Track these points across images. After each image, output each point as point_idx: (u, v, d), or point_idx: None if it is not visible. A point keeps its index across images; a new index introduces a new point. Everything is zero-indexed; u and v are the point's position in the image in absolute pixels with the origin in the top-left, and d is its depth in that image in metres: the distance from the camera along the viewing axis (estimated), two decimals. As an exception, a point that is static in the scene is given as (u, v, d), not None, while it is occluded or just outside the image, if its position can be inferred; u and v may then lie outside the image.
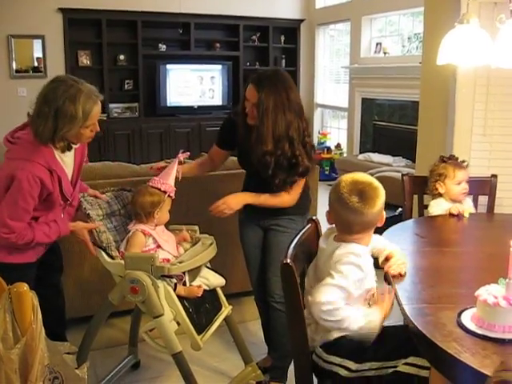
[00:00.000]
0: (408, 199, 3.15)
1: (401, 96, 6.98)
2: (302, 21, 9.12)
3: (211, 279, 2.59)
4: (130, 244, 2.46)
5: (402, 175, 3.19)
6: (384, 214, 1.96)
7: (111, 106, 8.00)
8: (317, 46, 9.15)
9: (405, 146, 6.48)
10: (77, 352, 1.72)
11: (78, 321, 3.10)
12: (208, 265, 2.63)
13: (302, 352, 1.84)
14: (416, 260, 2.25)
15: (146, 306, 2.36)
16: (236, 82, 8.75)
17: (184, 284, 2.45)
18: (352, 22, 8.06)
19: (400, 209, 3.25)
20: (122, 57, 8.09)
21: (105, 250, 2.43)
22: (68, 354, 1.64)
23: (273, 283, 2.66)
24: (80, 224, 2.41)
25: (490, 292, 1.58)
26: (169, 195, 2.52)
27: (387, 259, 2.05)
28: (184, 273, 2.44)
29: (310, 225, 2.14)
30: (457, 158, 3.01)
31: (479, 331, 1.55)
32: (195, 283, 2.51)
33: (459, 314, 1.65)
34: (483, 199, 3.17)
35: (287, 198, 2.62)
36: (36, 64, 7.65)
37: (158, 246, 2.48)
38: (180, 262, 2.39)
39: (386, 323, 2.02)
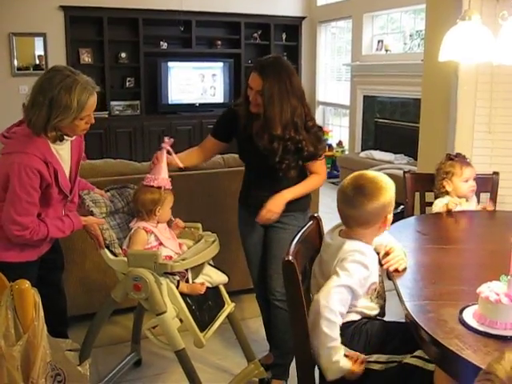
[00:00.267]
0: (410, 196, 3.15)
1: (402, 93, 6.97)
2: (303, 18, 9.11)
3: (214, 276, 2.58)
4: (132, 241, 2.46)
5: (404, 172, 3.19)
6: (390, 218, 1.97)
7: (113, 103, 8.00)
8: (318, 44, 9.14)
9: (406, 144, 6.48)
10: (79, 349, 1.72)
11: (80, 318, 3.11)
12: (211, 262, 2.63)
13: (303, 349, 1.84)
14: (418, 257, 2.24)
15: (149, 304, 2.36)
16: (237, 79, 8.74)
17: (187, 281, 2.45)
18: (353, 19, 8.05)
19: (402, 206, 3.25)
20: (123, 54, 8.08)
21: (108, 248, 2.44)
22: (70, 350, 1.64)
23: (274, 280, 2.66)
24: (92, 219, 2.41)
25: (491, 289, 1.58)
26: (165, 188, 2.50)
27: (387, 254, 2.05)
28: (187, 270, 2.44)
29: (311, 222, 2.15)
30: (464, 156, 3.00)
31: (481, 328, 1.55)
32: (198, 280, 2.51)
33: (461, 311, 1.65)
34: (485, 196, 3.17)
35: (318, 179, 2.71)
36: (37, 62, 7.65)
37: (160, 244, 2.48)
38: (183, 260, 2.39)
39: (390, 319, 2.04)
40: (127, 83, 8.21)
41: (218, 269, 2.64)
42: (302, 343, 1.82)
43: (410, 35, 7.27)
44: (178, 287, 2.39)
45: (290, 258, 1.75)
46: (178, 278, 2.40)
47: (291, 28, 9.12)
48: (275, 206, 2.58)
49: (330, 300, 1.82)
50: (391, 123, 7.33)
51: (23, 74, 7.46)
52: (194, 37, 8.33)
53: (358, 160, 7.12)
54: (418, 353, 1.78)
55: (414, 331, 1.66)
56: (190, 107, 8.49)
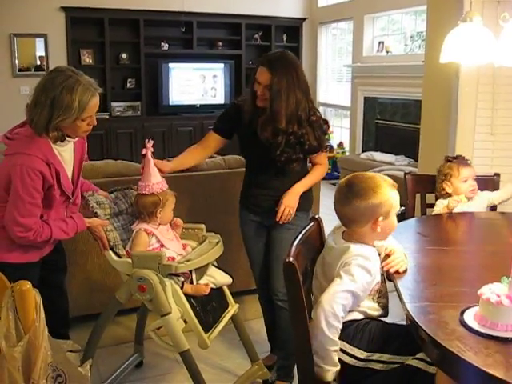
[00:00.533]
0: (410, 198, 3.14)
1: (403, 95, 6.97)
2: (304, 19, 9.11)
3: (218, 277, 2.58)
4: (134, 243, 2.46)
5: (405, 174, 3.19)
6: (393, 222, 1.98)
7: (113, 104, 8.01)
8: (319, 45, 9.15)
9: (407, 145, 6.48)
10: (80, 350, 1.72)
11: (81, 319, 3.11)
12: (214, 263, 2.62)
13: (304, 350, 1.84)
14: (418, 258, 2.24)
15: (154, 305, 2.36)
16: (238, 80, 8.75)
17: (191, 282, 2.45)
18: (354, 20, 8.05)
19: (402, 207, 3.24)
20: (124, 55, 8.09)
21: (112, 249, 2.44)
22: (71, 352, 1.64)
23: (277, 281, 2.66)
24: (96, 220, 2.41)
25: (492, 291, 1.58)
26: (162, 191, 2.48)
27: (387, 256, 2.05)
28: (191, 271, 2.43)
29: (312, 223, 2.15)
30: (463, 157, 3.01)
31: (482, 330, 1.55)
32: (202, 281, 2.50)
33: (462, 313, 1.64)
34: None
35: (322, 169, 2.81)
36: (38, 62, 7.66)
37: (162, 245, 2.48)
38: (187, 261, 2.39)
39: (391, 320, 2.04)
40: (128, 84, 8.21)
41: (222, 270, 2.63)
42: (303, 344, 1.82)
43: (411, 36, 7.27)
44: (182, 288, 2.39)
45: (291, 259, 1.75)
46: (182, 279, 2.40)
47: (292, 29, 9.12)
48: (291, 200, 2.61)
49: (334, 305, 1.83)
50: (392, 124, 7.33)
51: (24, 75, 7.47)
52: (195, 38, 8.34)
53: (358, 161, 7.12)
54: (420, 355, 1.78)
55: (415, 333, 1.66)
56: (190, 108, 8.49)
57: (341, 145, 8.47)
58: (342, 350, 1.89)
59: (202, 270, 2.50)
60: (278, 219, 2.61)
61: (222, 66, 8.63)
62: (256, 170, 2.74)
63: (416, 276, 2.03)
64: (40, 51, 7.64)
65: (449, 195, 2.94)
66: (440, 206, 2.93)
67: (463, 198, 2.89)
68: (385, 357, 1.87)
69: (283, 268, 1.76)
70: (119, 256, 2.45)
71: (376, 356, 1.87)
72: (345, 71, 8.60)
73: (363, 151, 7.73)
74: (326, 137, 2.74)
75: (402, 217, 3.02)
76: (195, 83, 8.52)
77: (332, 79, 9.17)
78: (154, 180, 2.48)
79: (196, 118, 8.42)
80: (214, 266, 2.62)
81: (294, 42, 9.13)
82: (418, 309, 1.74)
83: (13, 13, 7.28)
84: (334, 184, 7.21)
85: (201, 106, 8.57)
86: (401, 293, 1.85)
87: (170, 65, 8.28)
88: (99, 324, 2.58)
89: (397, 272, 2.00)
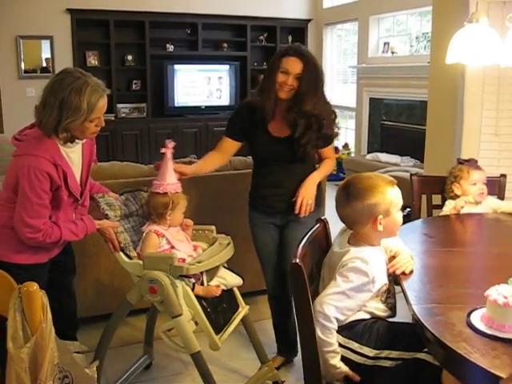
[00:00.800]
0: (416, 199, 3.14)
1: (409, 96, 6.96)
2: (309, 21, 9.11)
3: (228, 279, 2.57)
4: (144, 245, 2.46)
5: (411, 175, 3.18)
6: (395, 219, 1.98)
7: (119, 106, 8.03)
8: (324, 46, 9.14)
9: (413, 146, 6.47)
10: (87, 351, 1.72)
11: (88, 320, 3.11)
12: (225, 264, 2.61)
13: (310, 351, 1.84)
14: (425, 260, 2.24)
15: (165, 306, 2.35)
16: (243, 82, 8.76)
17: (202, 284, 2.44)
18: (359, 21, 8.05)
19: (408, 209, 3.24)
20: (129, 57, 8.11)
21: (123, 251, 2.44)
22: (78, 353, 1.64)
23: None
24: (106, 222, 2.42)
25: (499, 292, 1.57)
26: (175, 193, 2.49)
27: (393, 258, 2.05)
28: (202, 273, 2.43)
29: (318, 224, 2.15)
30: (475, 161, 3.00)
31: (489, 331, 1.55)
32: (213, 283, 2.49)
33: (469, 314, 1.64)
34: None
35: (332, 162, 2.87)
36: (44, 64, 7.69)
37: (172, 247, 2.47)
38: (198, 262, 2.39)
39: (398, 320, 2.04)
40: (133, 86, 8.23)
41: (233, 271, 2.62)
42: (310, 345, 1.82)
43: (417, 37, 7.26)
44: (193, 290, 2.38)
45: (298, 260, 1.75)
46: (193, 280, 2.39)
47: (297, 30, 9.12)
48: (309, 190, 2.63)
49: (324, 306, 1.88)
50: (397, 125, 7.32)
51: (30, 77, 7.50)
52: (201, 39, 8.35)
53: (364, 162, 7.11)
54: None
55: (422, 334, 1.66)
56: (196, 110, 8.50)
57: (346, 146, 8.46)
58: (350, 349, 1.90)
59: (212, 272, 2.49)
60: (296, 211, 2.60)
61: (227, 67, 8.64)
62: (268, 169, 2.74)
63: (422, 277, 2.03)
64: (46, 53, 7.67)
65: (457, 197, 2.93)
66: (449, 207, 2.92)
67: (471, 198, 2.88)
68: (394, 354, 1.88)
69: (290, 269, 1.76)
70: (130, 257, 2.45)
71: (385, 353, 1.89)
72: (350, 72, 8.60)
73: (369, 152, 7.72)
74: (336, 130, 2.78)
75: (407, 218, 3.03)
76: (200, 85, 8.53)
77: (337, 80, 9.16)
78: (169, 180, 2.48)
79: (201, 120, 8.43)
80: (225, 267, 2.61)
81: (300, 43, 9.10)
82: (425, 310, 1.74)
83: (19, 15, 7.31)
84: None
85: (206, 107, 8.57)
86: (407, 294, 1.85)
87: (176, 66, 8.29)
88: (110, 325, 2.57)
89: (403, 273, 2.00)
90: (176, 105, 8.38)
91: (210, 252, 2.51)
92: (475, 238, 2.77)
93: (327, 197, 3.90)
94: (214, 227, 2.71)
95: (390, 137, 7.52)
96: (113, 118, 7.78)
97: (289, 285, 2.66)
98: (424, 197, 3.15)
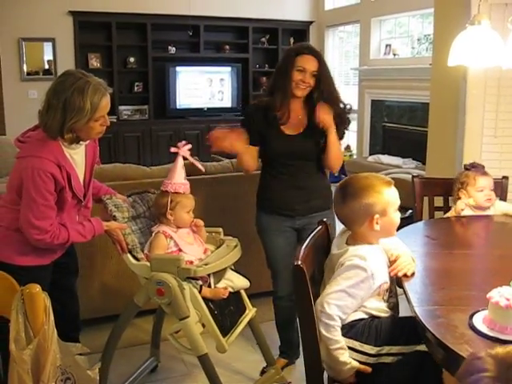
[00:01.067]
0: (418, 201, 3.13)
1: (411, 97, 6.96)
2: (311, 23, 9.12)
3: (235, 281, 2.56)
4: (152, 246, 2.46)
5: (413, 177, 3.18)
6: (392, 219, 1.98)
7: (121, 108, 8.04)
8: (326, 48, 9.15)
9: (415, 148, 6.46)
10: (89, 353, 1.72)
11: (90, 322, 3.11)
12: (232, 267, 2.61)
13: (312, 353, 1.84)
14: (427, 262, 2.24)
15: (172, 308, 2.35)
16: (245, 84, 8.77)
17: (209, 286, 2.43)
18: (361, 23, 8.05)
19: (410, 211, 3.24)
20: (131, 59, 8.12)
21: (130, 252, 2.44)
22: (80, 355, 1.65)
23: None
24: (114, 224, 2.42)
25: (501, 294, 1.57)
26: (175, 192, 2.49)
27: (394, 261, 2.05)
28: (209, 275, 2.42)
29: (320, 226, 2.15)
30: (482, 166, 2.95)
31: (491, 333, 1.55)
32: (220, 285, 2.49)
33: (471, 317, 1.64)
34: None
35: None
36: (47, 67, 7.70)
37: (180, 250, 2.46)
38: (206, 264, 2.38)
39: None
40: (135, 88, 8.24)
41: (240, 273, 2.62)
42: (312, 347, 1.83)
43: (418, 39, 7.27)
44: (200, 292, 2.38)
45: (299, 262, 1.75)
46: (200, 282, 2.39)
47: (299, 32, 9.13)
48: (326, 110, 2.63)
49: (325, 305, 1.88)
50: (399, 127, 7.31)
51: (32, 79, 7.52)
52: (202, 41, 8.36)
53: (366, 164, 7.11)
54: None
55: (423, 336, 1.66)
56: (197, 112, 8.51)
57: (348, 148, 8.46)
58: (352, 349, 1.90)
59: (219, 274, 2.48)
60: (318, 120, 2.61)
61: (229, 69, 8.65)
62: (283, 170, 2.71)
63: (424, 279, 2.03)
64: (48, 55, 7.69)
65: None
66: (461, 206, 2.90)
67: (471, 201, 2.86)
68: (394, 349, 1.89)
69: (292, 271, 1.77)
70: (137, 259, 2.45)
71: (386, 349, 1.90)
72: (352, 74, 8.60)
73: (370, 154, 7.72)
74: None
75: (409, 220, 3.03)
76: (202, 87, 8.54)
77: (339, 82, 9.14)
78: (177, 180, 2.50)
79: (203, 122, 8.43)
80: (232, 269, 2.60)
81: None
82: (427, 312, 1.74)
83: (21, 17, 7.33)
84: (341, 187, 7.19)
85: (208, 109, 8.59)
86: (409, 296, 1.85)
87: (178, 68, 8.30)
88: (117, 327, 2.57)
89: (405, 275, 2.00)
90: (178, 107, 8.39)
91: (217, 254, 2.51)
92: (477, 240, 2.77)
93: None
94: (221, 229, 2.70)
95: (391, 139, 7.52)
96: (115, 120, 7.78)
97: None
98: (426, 199, 3.15)
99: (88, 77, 2.19)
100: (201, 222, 2.59)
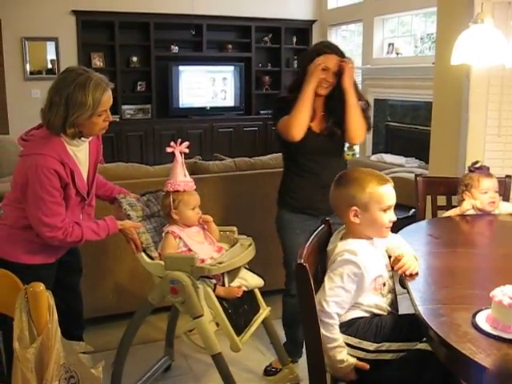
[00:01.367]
0: (421, 200, 3.13)
1: (414, 96, 6.95)
2: (313, 22, 9.12)
3: (249, 280, 2.55)
4: (163, 246, 2.46)
5: (416, 176, 3.17)
6: (376, 217, 1.98)
7: (124, 107, 8.05)
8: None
9: (418, 147, 6.45)
10: (93, 351, 1.72)
11: (92, 321, 3.12)
12: (246, 266, 2.59)
13: (315, 351, 1.84)
14: (430, 261, 2.24)
15: (186, 307, 2.35)
16: (248, 83, 8.77)
17: (223, 285, 2.43)
18: (364, 22, 8.05)
19: (413, 210, 3.24)
20: (134, 58, 8.13)
21: (144, 251, 2.44)
22: (84, 353, 1.65)
23: None
24: (128, 223, 2.43)
25: (505, 293, 1.57)
26: (176, 191, 2.49)
27: (398, 261, 2.05)
28: (223, 274, 2.41)
29: (323, 225, 2.15)
30: (487, 168, 2.91)
31: (494, 332, 1.55)
32: (234, 284, 2.48)
33: (474, 315, 1.64)
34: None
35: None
36: (50, 66, 7.71)
37: (189, 250, 2.46)
38: (220, 263, 2.37)
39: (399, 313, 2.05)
40: (138, 87, 8.25)
41: (254, 272, 2.60)
42: (315, 347, 1.82)
43: (421, 38, 7.25)
44: (214, 290, 2.38)
45: (302, 260, 1.75)
46: (214, 281, 2.38)
47: (301, 31, 9.13)
48: (350, 74, 2.69)
49: (323, 303, 1.90)
50: (402, 126, 7.30)
51: (35, 79, 7.54)
52: (205, 40, 8.36)
53: (368, 163, 7.09)
54: None
55: (426, 334, 1.66)
56: (200, 111, 8.52)
57: (351, 147, 8.44)
58: (350, 346, 1.91)
59: (233, 273, 2.48)
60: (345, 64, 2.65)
61: (231, 68, 8.65)
62: (307, 167, 2.71)
63: (427, 278, 2.03)
64: (51, 55, 7.70)
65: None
66: (467, 207, 2.89)
67: (478, 203, 2.84)
68: (394, 345, 1.90)
69: (295, 270, 1.77)
70: (151, 258, 2.45)
71: (385, 346, 1.90)
72: (355, 73, 8.57)
73: (373, 153, 7.71)
74: None
75: (412, 219, 3.03)
76: (205, 86, 8.55)
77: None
78: (174, 179, 2.50)
79: (206, 121, 8.44)
80: (246, 268, 2.59)
81: (304, 44, 9.13)
82: (430, 311, 1.73)
83: (24, 17, 7.34)
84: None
85: (211, 108, 8.59)
86: (412, 295, 1.85)
87: (180, 67, 8.31)
88: (131, 326, 2.57)
89: (409, 274, 2.00)
90: (181, 106, 8.40)
91: (231, 253, 2.50)
92: (480, 239, 2.76)
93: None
94: (235, 228, 2.69)
95: (394, 138, 7.51)
96: (118, 120, 7.80)
97: None
98: (429, 198, 3.15)
99: (89, 72, 2.20)
100: (209, 218, 2.58)
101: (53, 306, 1.55)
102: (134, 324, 2.57)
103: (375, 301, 2.00)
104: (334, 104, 2.68)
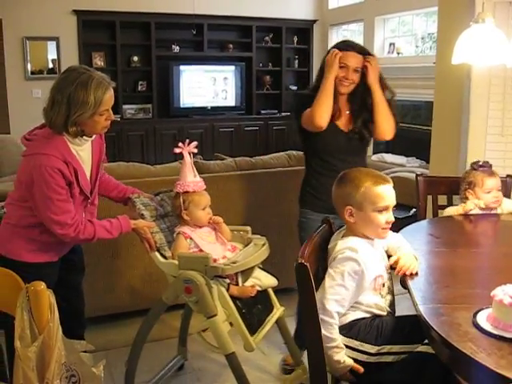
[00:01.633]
0: (422, 200, 3.13)
1: (414, 96, 6.94)
2: (314, 21, 9.11)
3: (263, 280, 2.53)
4: (174, 247, 2.46)
5: (417, 175, 3.17)
6: (370, 217, 1.98)
7: (125, 107, 8.04)
8: (330, 47, 9.09)
9: (419, 147, 6.45)
10: (94, 350, 1.73)
11: (93, 320, 3.12)
12: (260, 265, 2.57)
13: (316, 351, 1.84)
14: (430, 260, 2.24)
15: (200, 306, 2.34)
16: (249, 83, 8.77)
17: (236, 284, 2.42)
18: (365, 22, 8.04)
19: (414, 209, 3.24)
20: (135, 58, 8.13)
21: (158, 250, 2.45)
22: (85, 352, 1.65)
23: None
24: (142, 222, 2.43)
25: (505, 292, 1.57)
26: (185, 191, 2.48)
27: (396, 263, 2.05)
28: (236, 273, 2.41)
29: (324, 225, 2.16)
30: (489, 166, 2.90)
31: (495, 331, 1.55)
32: (248, 283, 2.47)
33: (475, 315, 1.64)
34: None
35: None
36: (51, 65, 7.72)
37: (200, 250, 2.45)
38: (233, 263, 2.37)
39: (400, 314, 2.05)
40: (139, 87, 8.25)
41: (268, 272, 2.59)
42: (316, 346, 1.83)
43: (422, 38, 7.25)
44: (228, 290, 2.37)
45: (303, 260, 1.75)
46: (228, 280, 2.37)
47: (302, 31, 9.13)
48: (375, 69, 2.73)
49: (325, 302, 1.90)
50: (403, 126, 7.24)
51: (36, 78, 7.54)
52: (206, 40, 8.36)
53: (369, 163, 6.98)
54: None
55: (427, 334, 1.66)
56: (201, 110, 8.51)
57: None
58: (352, 348, 1.91)
59: (247, 273, 2.47)
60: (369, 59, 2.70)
61: (232, 68, 8.65)
62: (333, 166, 2.69)
63: (428, 277, 2.03)
64: (52, 54, 7.70)
65: None
66: (454, 209, 2.89)
67: (482, 203, 2.83)
68: (396, 348, 1.90)
69: (295, 269, 1.77)
70: (165, 257, 2.45)
71: (386, 348, 1.91)
72: (355, 73, 8.57)
73: (374, 153, 7.70)
74: None
75: (413, 218, 3.03)
76: (206, 85, 8.54)
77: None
78: (183, 180, 2.50)
79: (207, 120, 8.44)
80: (260, 267, 2.57)
81: (305, 44, 9.14)
82: (431, 310, 1.74)
83: (25, 16, 7.34)
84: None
85: (212, 108, 8.59)
86: (413, 294, 1.85)
87: (181, 67, 8.31)
88: (146, 323, 2.57)
89: (409, 274, 2.00)
90: (182, 105, 8.40)
91: (244, 253, 2.49)
92: (481, 238, 2.77)
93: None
94: (249, 228, 2.68)
95: (395, 137, 7.47)
96: (118, 119, 7.80)
97: None
98: (430, 197, 3.15)
99: (91, 71, 2.21)
100: (219, 219, 2.56)
101: (54, 305, 1.55)
102: (148, 323, 2.57)
103: (375, 300, 2.00)
104: (358, 103, 2.69)
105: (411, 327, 1.89)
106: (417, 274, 2.01)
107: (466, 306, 1.73)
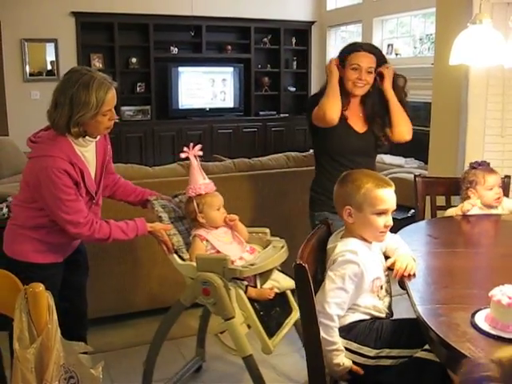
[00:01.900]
0: (421, 200, 3.13)
1: (413, 97, 6.89)
2: (313, 23, 9.12)
3: (282, 282, 2.52)
4: (191, 251, 2.45)
5: (415, 176, 3.18)
6: (369, 219, 1.98)
7: (123, 108, 8.04)
8: (328, 48, 9.15)
9: (417, 148, 6.41)
10: (92, 352, 1.73)
11: (92, 321, 3.12)
12: (278, 267, 2.56)
13: (315, 353, 1.84)
14: (429, 261, 2.24)
15: (217, 308, 2.34)
16: (247, 84, 8.77)
17: (254, 286, 2.41)
18: (363, 23, 8.05)
19: (412, 210, 3.24)
20: (134, 60, 8.13)
21: (176, 253, 2.44)
22: (84, 353, 1.65)
23: None
24: (159, 225, 2.43)
25: (503, 293, 1.58)
26: (198, 194, 2.48)
27: (393, 265, 2.06)
28: (255, 275, 2.40)
29: (322, 225, 2.16)
30: (488, 164, 2.92)
31: (493, 332, 1.55)
32: (266, 286, 2.46)
33: (473, 315, 1.64)
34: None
35: None
36: (49, 67, 7.72)
37: (217, 252, 2.44)
38: (252, 265, 2.36)
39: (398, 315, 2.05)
40: (138, 88, 8.25)
41: (286, 274, 2.56)
42: (314, 345, 1.82)
43: (420, 39, 7.26)
44: (246, 292, 2.36)
45: (301, 261, 1.75)
46: (246, 282, 2.36)
47: (301, 32, 9.13)
48: (390, 75, 2.75)
49: (325, 305, 1.89)
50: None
51: (35, 80, 7.53)
52: (205, 42, 8.37)
53: (368, 164, 7.10)
54: (428, 346, 1.79)
55: (426, 334, 1.66)
56: (200, 112, 8.52)
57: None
58: (349, 350, 1.91)
59: (266, 275, 2.46)
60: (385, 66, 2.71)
61: (231, 69, 8.66)
62: (346, 167, 2.64)
63: (427, 278, 2.03)
64: (50, 56, 7.70)
65: None
66: (468, 207, 2.89)
67: (479, 202, 2.84)
68: (395, 352, 1.89)
69: (294, 270, 1.77)
70: (183, 259, 2.44)
71: (385, 352, 1.90)
72: (354, 74, 8.58)
73: (373, 154, 7.71)
74: None
75: (412, 219, 3.03)
76: (204, 87, 8.55)
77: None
78: (194, 183, 2.49)
79: (205, 122, 8.44)
80: (278, 269, 2.56)
81: (303, 45, 9.14)
82: (429, 311, 1.74)
83: (23, 18, 7.34)
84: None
85: (210, 109, 8.59)
86: (412, 295, 1.85)
87: (180, 69, 8.31)
88: (164, 324, 2.56)
89: (407, 276, 2.00)
90: (180, 107, 8.40)
91: (263, 255, 2.48)
92: (480, 238, 2.77)
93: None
94: (267, 230, 2.67)
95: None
96: (117, 121, 7.77)
97: None
98: (428, 198, 3.15)
99: (93, 72, 2.24)
100: (234, 217, 2.55)
101: (52, 307, 1.55)
102: (166, 324, 2.57)
103: (373, 303, 2.00)
104: (372, 107, 2.71)
105: (411, 331, 1.88)
106: (414, 275, 2.01)
107: (464, 306, 1.73)
